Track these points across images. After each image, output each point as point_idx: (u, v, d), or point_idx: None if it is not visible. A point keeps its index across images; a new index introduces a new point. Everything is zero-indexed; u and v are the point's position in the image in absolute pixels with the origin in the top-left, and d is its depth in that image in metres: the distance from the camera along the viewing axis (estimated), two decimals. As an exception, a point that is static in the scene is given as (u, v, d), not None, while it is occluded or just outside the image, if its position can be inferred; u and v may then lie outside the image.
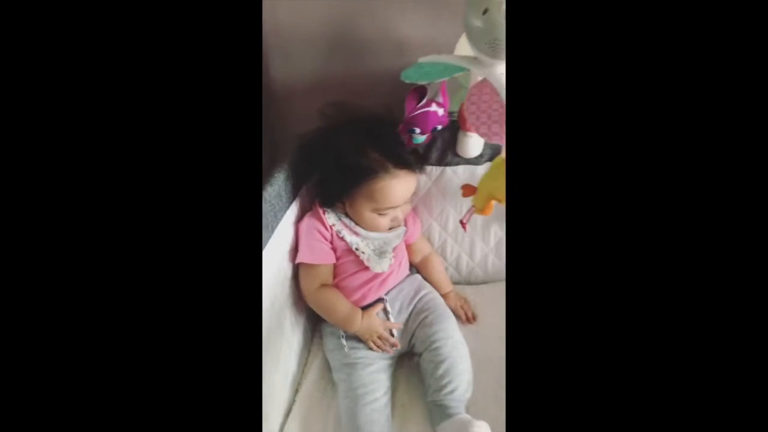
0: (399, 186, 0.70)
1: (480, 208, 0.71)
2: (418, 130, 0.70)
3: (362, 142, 0.69)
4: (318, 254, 0.72)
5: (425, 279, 0.84)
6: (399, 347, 0.73)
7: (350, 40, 0.92)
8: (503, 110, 0.55)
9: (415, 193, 0.79)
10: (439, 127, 0.71)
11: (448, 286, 0.84)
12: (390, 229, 0.76)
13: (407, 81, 0.60)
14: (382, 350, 0.72)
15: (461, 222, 0.76)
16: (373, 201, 0.71)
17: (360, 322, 0.72)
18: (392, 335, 0.73)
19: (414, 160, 0.73)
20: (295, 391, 0.72)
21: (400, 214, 0.75)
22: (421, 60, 0.58)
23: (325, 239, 0.73)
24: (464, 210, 0.81)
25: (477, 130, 0.60)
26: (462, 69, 0.54)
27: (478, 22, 0.45)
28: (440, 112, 0.68)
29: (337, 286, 0.76)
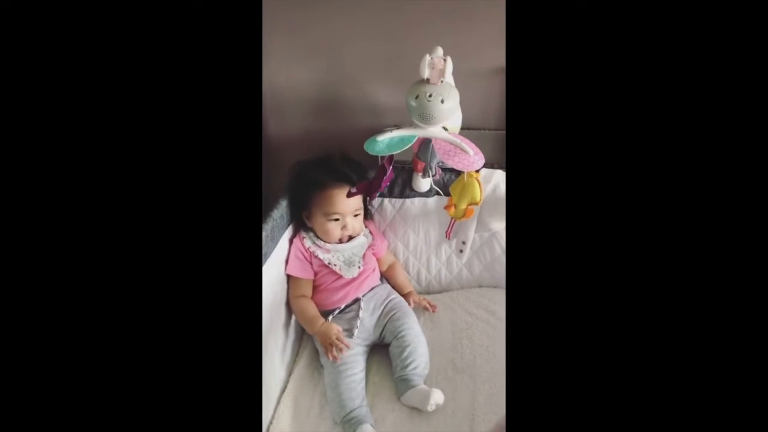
0: (340, 196, 0.92)
1: (460, 216, 0.93)
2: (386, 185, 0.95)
3: (319, 168, 0.95)
4: (299, 270, 0.94)
5: (392, 282, 1.05)
6: (350, 348, 0.87)
7: (334, 103, 1.13)
8: (453, 148, 0.79)
9: (364, 211, 0.98)
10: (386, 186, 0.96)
11: (409, 287, 1.05)
12: (341, 240, 0.95)
13: (378, 154, 0.81)
14: (332, 354, 0.85)
15: (446, 233, 0.99)
16: (322, 207, 0.93)
17: (318, 327, 0.90)
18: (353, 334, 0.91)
19: (354, 178, 0.94)
20: (289, 373, 0.91)
21: (349, 225, 0.94)
22: (378, 138, 0.80)
23: (305, 258, 0.95)
24: (421, 232, 1.06)
25: (451, 163, 0.80)
26: (413, 137, 0.79)
27: (413, 103, 0.72)
28: (386, 178, 0.93)
29: (325, 290, 0.96)
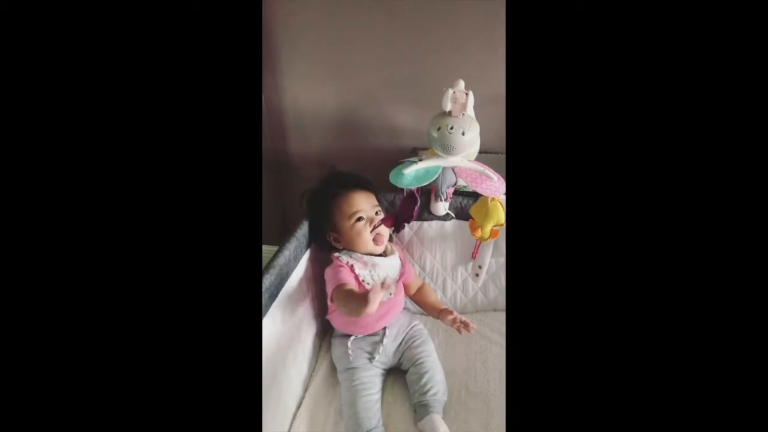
0: (356, 196, 0.94)
1: (486, 237, 0.95)
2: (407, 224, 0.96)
3: (327, 186, 0.98)
4: (346, 277, 0.89)
5: (422, 303, 1.05)
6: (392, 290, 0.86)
7: (354, 123, 1.17)
8: (479, 175, 0.81)
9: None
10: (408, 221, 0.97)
11: (441, 305, 1.02)
12: (375, 242, 0.93)
13: (407, 188, 0.83)
14: (374, 295, 0.76)
15: (472, 254, 1.02)
16: (344, 212, 0.93)
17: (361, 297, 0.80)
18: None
19: (361, 181, 0.97)
20: (305, 389, 0.93)
21: (375, 221, 0.93)
22: (405, 171, 0.82)
23: (349, 269, 0.92)
24: (438, 255, 1.08)
25: (479, 189, 0.83)
26: (438, 167, 0.81)
27: (434, 134, 0.75)
28: (417, 207, 0.94)
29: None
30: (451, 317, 0.93)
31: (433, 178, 0.83)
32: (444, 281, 1.10)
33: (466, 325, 0.90)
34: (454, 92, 0.74)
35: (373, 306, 0.75)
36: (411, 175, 0.79)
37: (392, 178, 0.82)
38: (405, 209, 0.93)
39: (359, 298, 0.81)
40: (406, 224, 0.93)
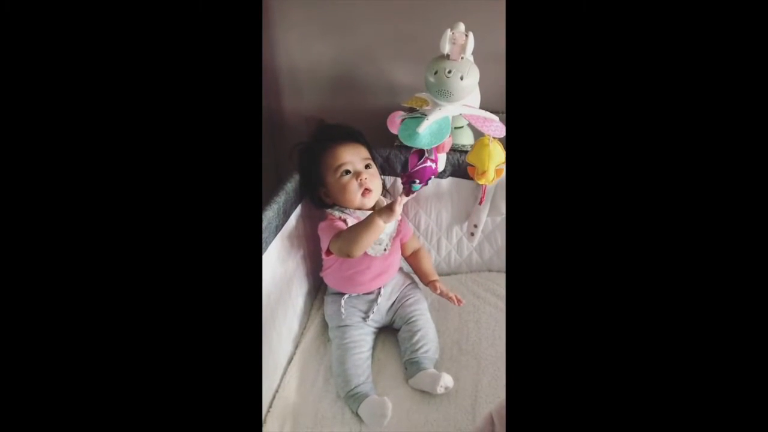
0: (343, 148, 0.90)
1: (491, 180, 0.91)
2: (417, 181, 0.92)
3: (314, 140, 0.95)
4: (340, 228, 0.87)
5: (416, 268, 1.02)
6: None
7: (351, 81, 1.12)
8: (483, 118, 0.78)
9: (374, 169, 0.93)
10: (433, 177, 0.93)
11: (434, 275, 0.99)
12: (364, 195, 0.89)
13: (427, 148, 0.78)
14: (399, 204, 0.78)
15: (480, 200, 0.99)
16: (330, 165, 0.90)
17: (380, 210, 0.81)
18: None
19: (350, 132, 0.94)
20: (296, 346, 0.93)
21: (363, 174, 0.89)
22: (419, 130, 0.77)
23: (343, 222, 0.89)
24: (433, 213, 1.05)
25: (488, 131, 0.80)
26: (447, 119, 0.77)
27: (431, 79, 0.71)
28: (434, 166, 0.88)
29: (363, 272, 0.92)
30: (437, 292, 0.94)
31: (448, 133, 0.78)
32: (438, 241, 1.08)
33: (450, 299, 0.92)
34: (453, 33, 0.69)
35: (398, 212, 0.78)
36: (426, 133, 0.75)
37: (405, 139, 0.77)
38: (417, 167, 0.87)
39: (377, 214, 0.79)
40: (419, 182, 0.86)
